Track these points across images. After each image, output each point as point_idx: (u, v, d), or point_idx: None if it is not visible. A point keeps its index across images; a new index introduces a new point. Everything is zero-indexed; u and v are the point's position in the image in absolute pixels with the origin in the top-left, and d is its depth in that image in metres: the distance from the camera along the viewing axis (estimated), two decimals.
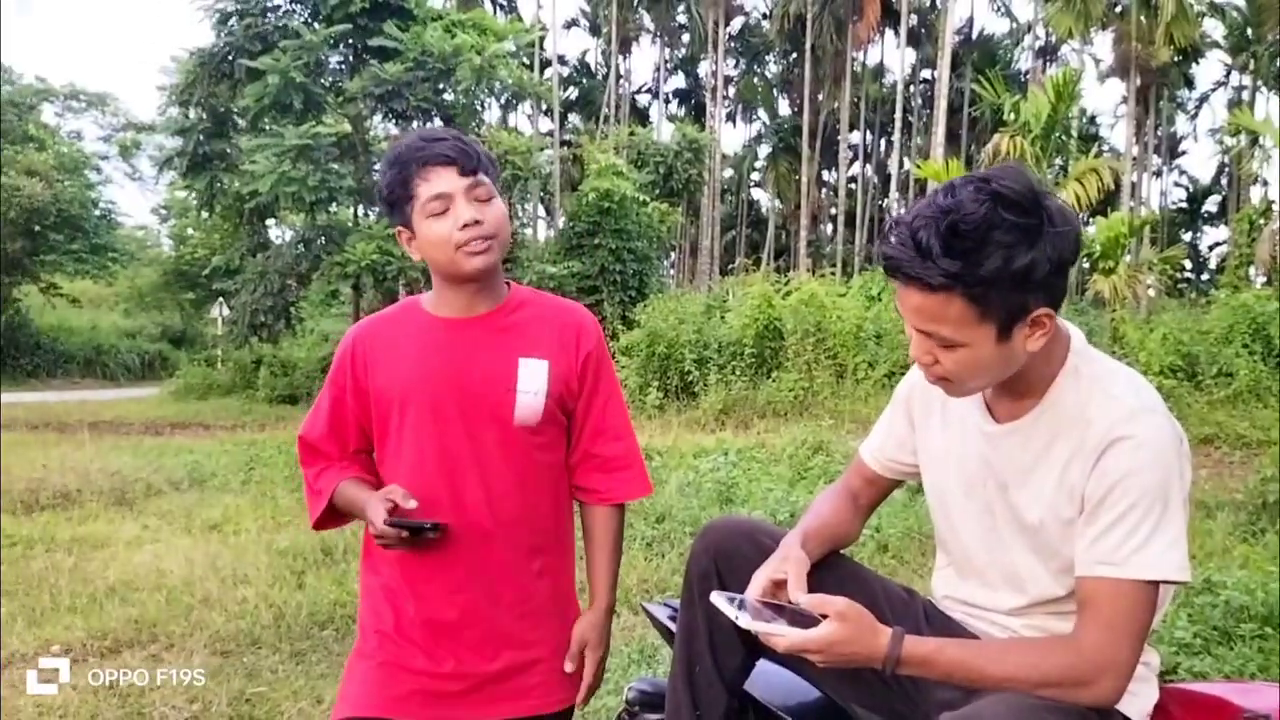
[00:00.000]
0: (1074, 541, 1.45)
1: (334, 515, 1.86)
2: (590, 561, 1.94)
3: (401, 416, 1.78)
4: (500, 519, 1.78)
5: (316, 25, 20.26)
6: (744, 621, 1.40)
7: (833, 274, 19.75)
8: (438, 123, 22.39)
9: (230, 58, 20.39)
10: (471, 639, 1.79)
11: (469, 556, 1.77)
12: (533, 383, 1.78)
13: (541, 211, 33.38)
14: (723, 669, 1.69)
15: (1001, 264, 1.32)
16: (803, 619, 1.41)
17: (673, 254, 40.95)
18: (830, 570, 1.70)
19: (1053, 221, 1.35)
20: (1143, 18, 30.15)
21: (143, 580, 5.29)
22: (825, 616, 1.39)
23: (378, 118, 21.89)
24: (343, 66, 21.98)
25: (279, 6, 21.28)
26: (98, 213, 29.86)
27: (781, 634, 1.39)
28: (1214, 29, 36.84)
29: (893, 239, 1.39)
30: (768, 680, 1.77)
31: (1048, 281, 1.36)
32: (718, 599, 1.45)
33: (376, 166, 23.93)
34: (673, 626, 1.84)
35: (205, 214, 24.33)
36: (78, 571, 5.53)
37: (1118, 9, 32.37)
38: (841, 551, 1.81)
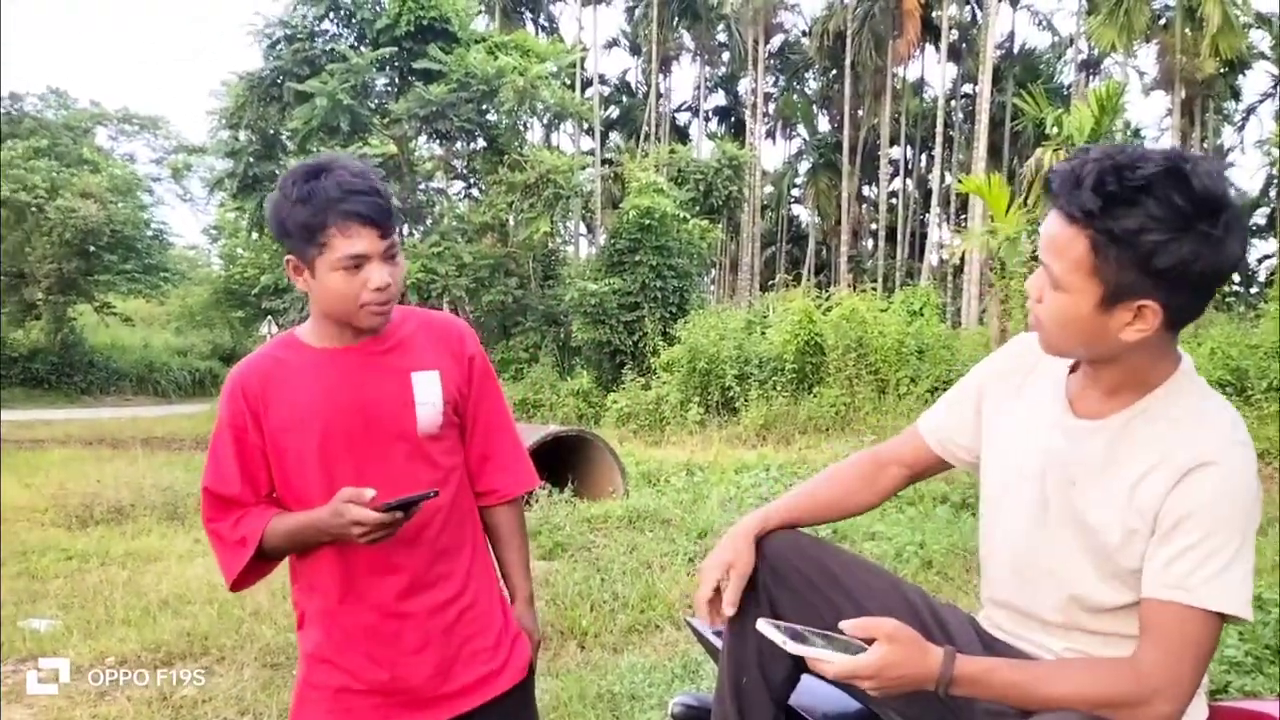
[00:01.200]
0: (1135, 550, 1.42)
1: (256, 566, 1.81)
2: (502, 560, 2.01)
3: (305, 448, 1.77)
4: (422, 526, 1.81)
5: (363, 49, 20.66)
6: (792, 648, 1.40)
7: (874, 289, 19.69)
8: (480, 143, 22.67)
9: (279, 81, 20.85)
10: (413, 645, 1.82)
11: (399, 567, 1.81)
12: (429, 394, 1.82)
13: (583, 229, 33.55)
14: (770, 681, 1.69)
15: (1136, 229, 1.29)
16: (851, 643, 1.41)
17: (713, 270, 40.96)
18: (870, 585, 1.71)
19: (1215, 226, 1.29)
20: (1187, 30, 29.75)
21: (194, 593, 5.40)
22: (873, 640, 1.38)
23: (422, 138, 22.21)
24: (388, 89, 22.37)
25: (326, 30, 21.73)
26: (150, 233, 30.45)
27: (830, 660, 1.38)
28: (1261, 40, 36.19)
29: (1067, 161, 1.37)
30: (809, 691, 1.79)
31: (1172, 278, 1.31)
32: (764, 626, 1.44)
33: (421, 187, 24.32)
34: (717, 641, 1.86)
35: (255, 234, 24.84)
36: (131, 585, 5.65)
37: (1161, 21, 31.94)
38: (882, 566, 1.82)
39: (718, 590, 1.67)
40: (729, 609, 1.64)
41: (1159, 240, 1.28)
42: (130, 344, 33.94)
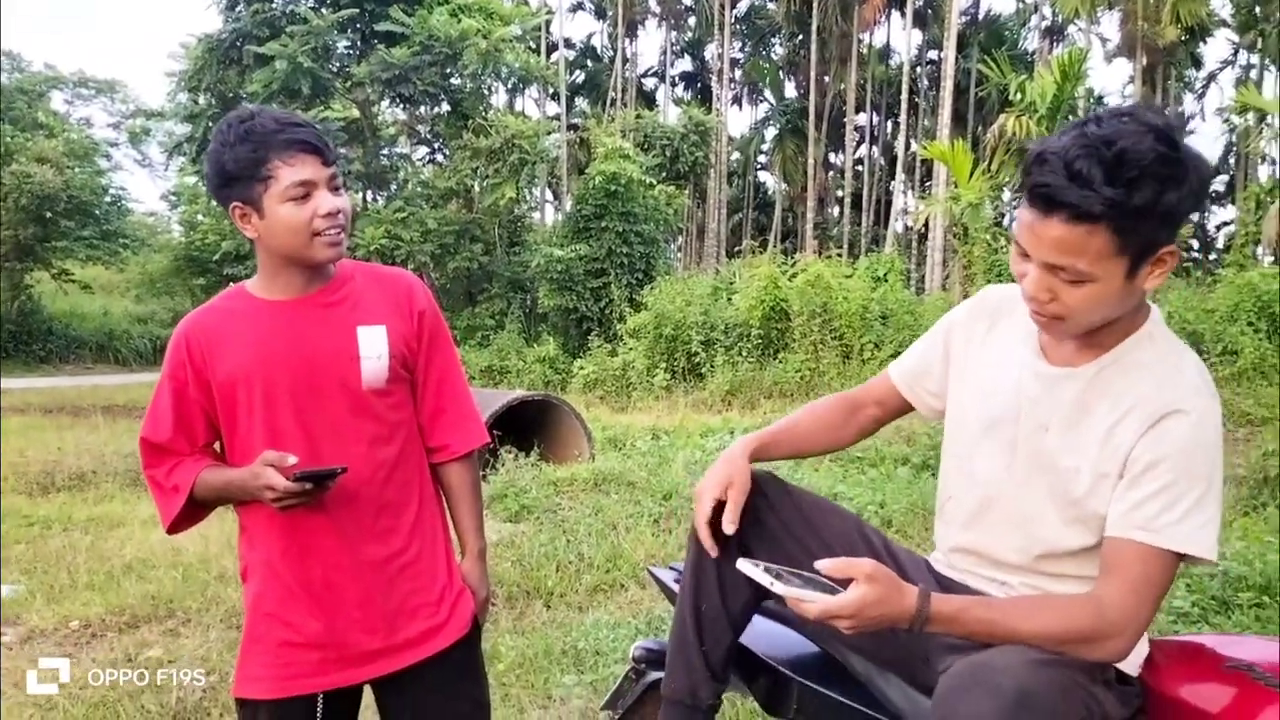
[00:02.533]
0: (1101, 496, 1.48)
1: (191, 512, 1.84)
2: (455, 515, 2.02)
3: (250, 400, 1.79)
4: (365, 481, 1.82)
5: (324, 10, 20.30)
6: (778, 589, 1.42)
7: (839, 256, 19.77)
8: (444, 107, 22.45)
9: (238, 44, 20.49)
10: (354, 599, 1.83)
11: (341, 522, 1.82)
12: (374, 348, 1.82)
13: (549, 195, 33.37)
14: (730, 611, 1.74)
15: (1154, 197, 1.33)
16: (827, 584, 1.43)
17: (679, 237, 40.91)
18: (837, 529, 1.76)
19: (1192, 159, 1.37)
20: None
21: (159, 558, 5.39)
22: (850, 581, 1.41)
23: (385, 103, 21.95)
24: (350, 52, 22.05)
25: None
26: (108, 199, 29.90)
27: (812, 599, 1.40)
28: (1221, 7, 36.49)
29: (1045, 168, 1.38)
30: (761, 633, 1.83)
31: (1180, 218, 1.38)
32: (745, 566, 1.47)
33: (384, 152, 24.05)
34: (677, 589, 1.90)
35: (215, 200, 24.45)
36: (94, 550, 5.63)
37: None
38: (844, 508, 1.86)
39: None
40: (730, 527, 1.66)
41: (1173, 194, 1.34)
42: (89, 311, 33.38)
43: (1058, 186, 1.36)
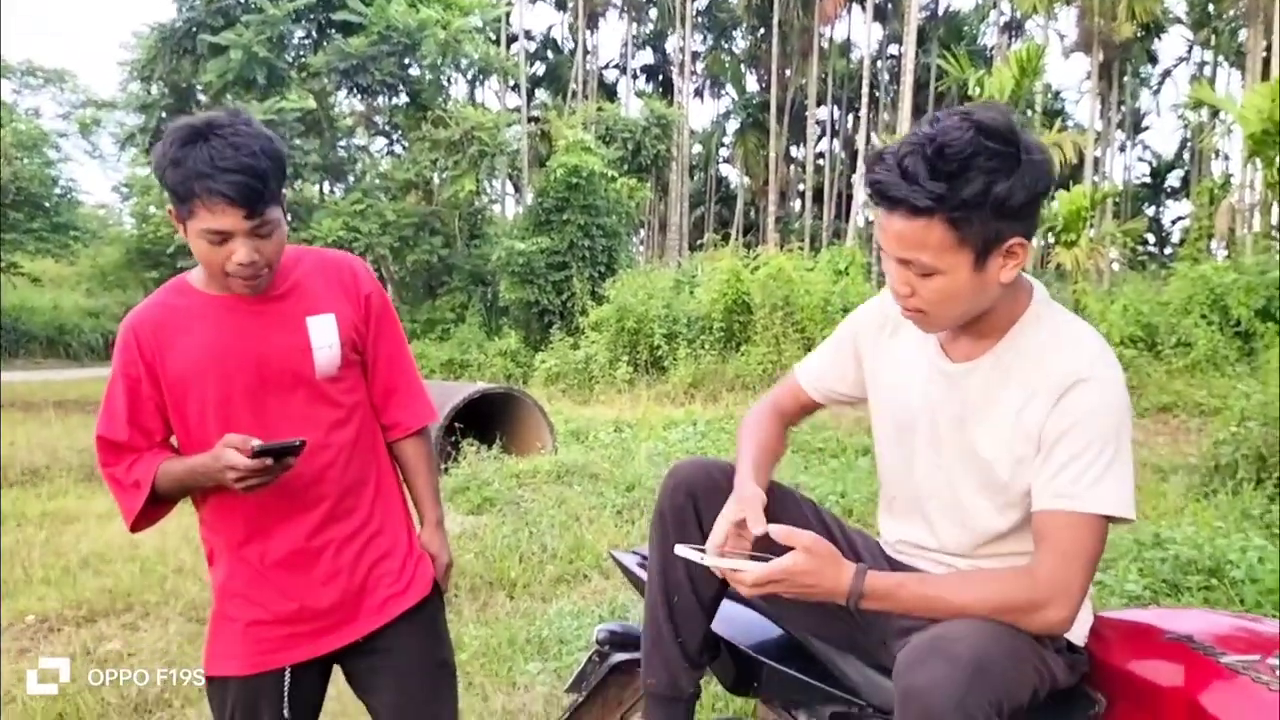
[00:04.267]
0: (1025, 478, 1.52)
1: (153, 508, 1.83)
2: (412, 488, 2.07)
3: (203, 395, 1.79)
4: (328, 464, 1.85)
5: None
6: (709, 561, 1.48)
7: (801, 249, 19.84)
8: (403, 98, 22.28)
9: (192, 33, 20.16)
10: (322, 576, 1.86)
11: (305, 503, 1.85)
12: (324, 337, 1.84)
13: (509, 188, 33.23)
14: (701, 599, 1.77)
15: (982, 188, 1.39)
16: (765, 561, 1.46)
17: (642, 230, 40.94)
18: (793, 513, 1.78)
19: (1029, 152, 1.42)
20: None
21: (115, 552, 5.32)
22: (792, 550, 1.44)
23: (342, 93, 21.73)
24: (306, 41, 21.80)
25: None
26: (58, 191, 29.25)
27: (745, 568, 1.44)
28: (1176, 4, 37.11)
29: (880, 166, 1.45)
30: (725, 617, 1.85)
31: (1023, 210, 1.43)
32: (682, 550, 1.52)
33: (342, 143, 23.81)
34: (642, 574, 1.91)
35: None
36: (49, 545, 5.55)
37: None
38: (803, 494, 1.89)
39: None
40: (760, 525, 1.55)
41: (1003, 186, 1.40)
42: (39, 305, 32.83)
43: (889, 183, 1.43)
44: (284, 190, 1.79)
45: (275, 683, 1.85)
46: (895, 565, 1.76)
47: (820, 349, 1.91)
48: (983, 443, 1.57)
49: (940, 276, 1.46)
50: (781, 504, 1.77)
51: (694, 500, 1.75)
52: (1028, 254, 1.48)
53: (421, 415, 2.04)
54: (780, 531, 1.47)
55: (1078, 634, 1.59)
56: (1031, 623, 1.43)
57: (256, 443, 1.66)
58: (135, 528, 1.86)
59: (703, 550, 1.52)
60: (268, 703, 1.86)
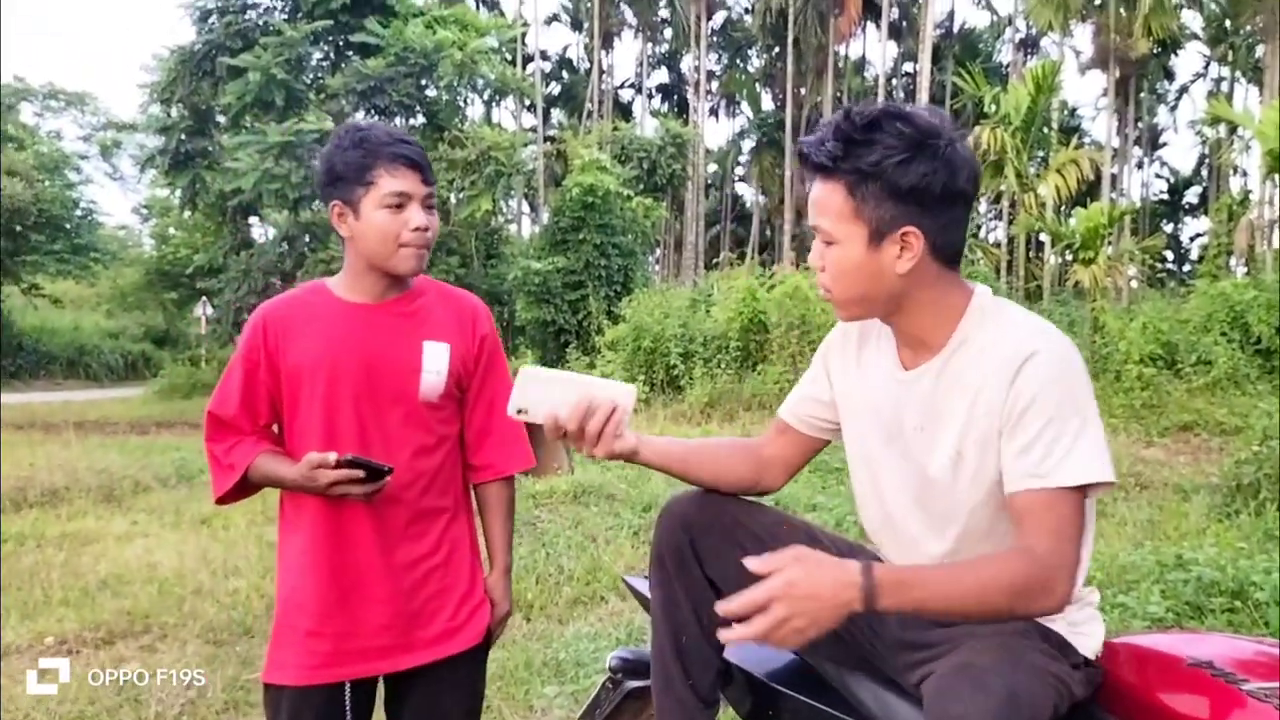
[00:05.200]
0: (989, 465, 1.49)
1: (241, 489, 1.95)
2: (487, 530, 2.11)
3: (313, 392, 1.89)
4: (405, 486, 1.91)
5: (298, 22, 20.21)
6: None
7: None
8: (420, 119, 22.45)
9: (211, 55, 20.34)
10: (383, 596, 1.91)
11: (378, 521, 1.90)
12: (436, 363, 1.94)
13: (526, 207, 33.38)
14: (709, 635, 1.71)
15: (878, 159, 1.44)
16: None
17: (658, 249, 40.99)
18: (784, 540, 1.75)
19: (946, 146, 1.45)
20: (1121, 10, 30.33)
21: (134, 574, 5.34)
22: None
23: (360, 114, 21.83)
24: (324, 63, 21.95)
25: (259, 3, 21.26)
26: (79, 212, 29.66)
27: (738, 598, 1.32)
28: (1192, 20, 37.07)
29: (811, 134, 1.54)
30: (745, 646, 1.83)
31: (919, 198, 1.45)
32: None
33: None
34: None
35: (188, 213, 24.29)
36: (69, 566, 5.57)
37: (1097, 1, 32.54)
38: (799, 518, 1.88)
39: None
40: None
41: (898, 162, 1.44)
42: (60, 326, 33.11)
43: (806, 143, 1.52)
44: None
45: (330, 697, 1.90)
46: None
47: (799, 383, 1.90)
48: (945, 441, 1.54)
49: (837, 247, 1.51)
50: (779, 535, 1.72)
51: (690, 537, 1.73)
52: (921, 246, 1.48)
53: (513, 462, 2.08)
54: (761, 563, 1.35)
55: (1089, 648, 1.57)
56: (1042, 603, 1.39)
57: (333, 456, 1.76)
58: (221, 501, 1.99)
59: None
60: (318, 716, 1.90)
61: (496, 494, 2.08)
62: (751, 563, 1.35)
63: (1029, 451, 1.43)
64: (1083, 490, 1.43)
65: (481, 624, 2.02)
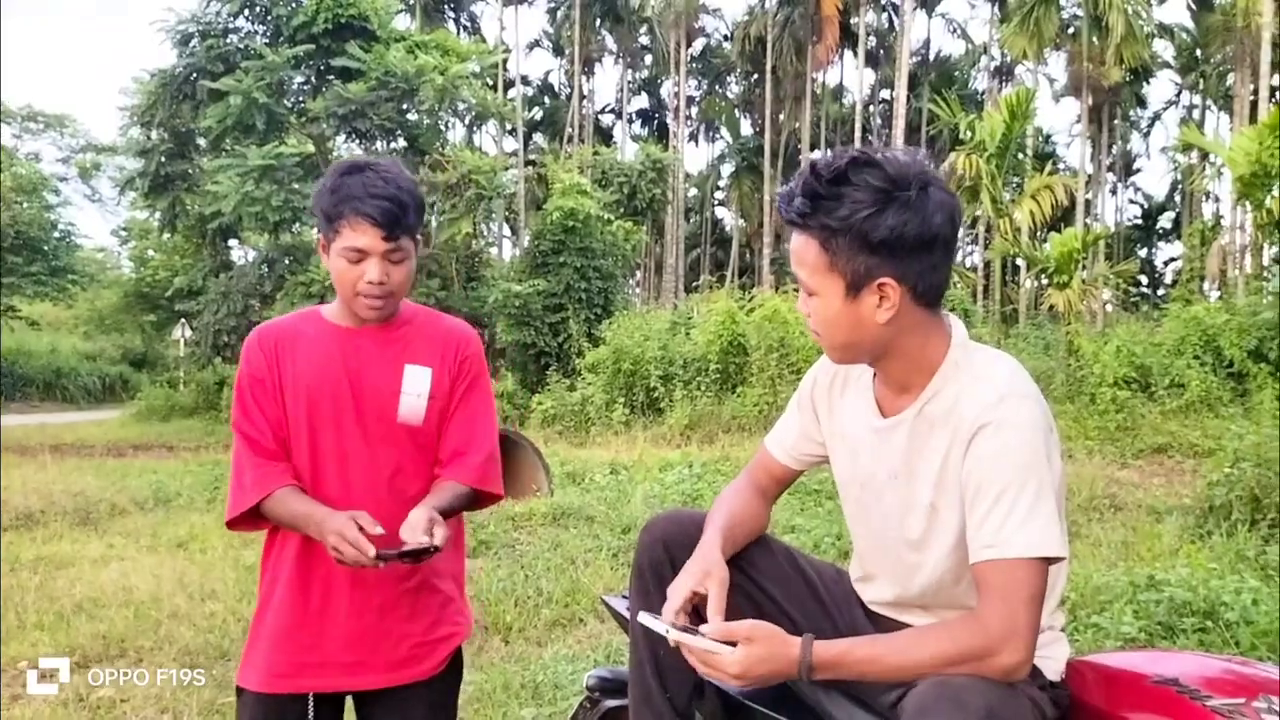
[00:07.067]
0: (947, 528, 1.54)
1: (252, 517, 1.92)
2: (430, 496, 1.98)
3: (298, 411, 1.94)
4: (385, 506, 1.89)
5: (279, 46, 20.24)
6: (673, 637, 1.48)
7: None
8: (401, 143, 22.49)
9: (192, 78, 20.34)
10: (352, 612, 1.93)
11: None
12: (416, 386, 1.97)
13: (506, 231, 33.37)
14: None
15: (847, 214, 1.44)
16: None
17: (638, 272, 41.08)
18: (768, 560, 1.81)
19: (918, 193, 1.44)
20: (1094, 38, 30.74)
21: (110, 597, 5.30)
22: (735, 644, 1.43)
23: (341, 138, 21.86)
24: (305, 87, 21.96)
25: (241, 27, 21.26)
26: (57, 234, 29.48)
27: (705, 647, 1.44)
28: (1164, 49, 37.66)
29: (786, 184, 1.54)
30: None
31: (896, 250, 1.45)
32: (646, 619, 1.52)
33: None
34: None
35: (167, 235, 24.19)
36: (43, 590, 5.52)
37: (1070, 30, 33.01)
38: (780, 543, 1.90)
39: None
40: (717, 619, 1.55)
41: (867, 216, 1.44)
42: (37, 349, 32.83)
43: (779, 197, 1.53)
44: (419, 233, 1.98)
45: (295, 708, 1.92)
46: (875, 619, 1.78)
47: (784, 417, 1.91)
48: (917, 496, 1.58)
49: (818, 299, 1.53)
50: (756, 554, 1.79)
51: (670, 555, 1.76)
52: (898, 296, 1.48)
53: (482, 478, 2.00)
54: (718, 632, 1.46)
55: (1053, 670, 1.61)
56: (990, 668, 1.40)
57: (380, 530, 1.74)
58: (231, 526, 1.99)
59: (666, 624, 1.51)
60: None
61: (453, 486, 1.97)
62: (708, 630, 1.47)
63: (985, 524, 1.45)
64: (1037, 560, 1.43)
65: (450, 650, 2.03)
